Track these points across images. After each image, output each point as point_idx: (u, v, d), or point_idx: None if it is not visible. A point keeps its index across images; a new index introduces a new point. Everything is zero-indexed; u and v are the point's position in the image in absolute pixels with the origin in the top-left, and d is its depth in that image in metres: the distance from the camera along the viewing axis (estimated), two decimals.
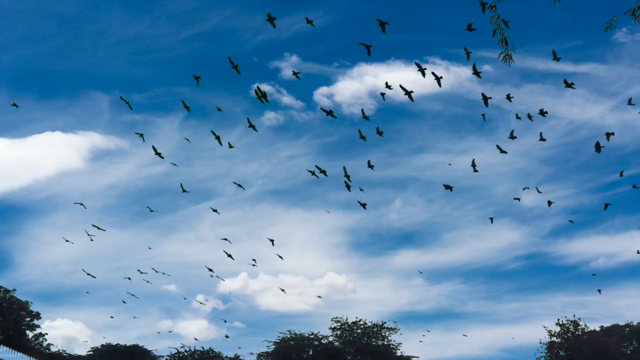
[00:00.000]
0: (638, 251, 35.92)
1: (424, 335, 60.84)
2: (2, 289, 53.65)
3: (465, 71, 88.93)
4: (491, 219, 33.21)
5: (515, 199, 32.64)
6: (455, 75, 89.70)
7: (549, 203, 30.37)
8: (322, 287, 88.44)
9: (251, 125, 26.39)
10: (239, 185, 34.68)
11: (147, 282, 43.45)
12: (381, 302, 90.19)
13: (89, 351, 60.39)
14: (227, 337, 58.22)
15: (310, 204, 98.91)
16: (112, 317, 59.51)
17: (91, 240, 37.09)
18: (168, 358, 62.25)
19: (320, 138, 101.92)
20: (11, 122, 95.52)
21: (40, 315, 55.31)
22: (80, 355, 59.63)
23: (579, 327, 58.11)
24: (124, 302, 47.31)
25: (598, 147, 25.53)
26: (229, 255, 36.62)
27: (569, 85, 23.18)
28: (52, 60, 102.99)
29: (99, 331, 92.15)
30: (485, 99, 24.66)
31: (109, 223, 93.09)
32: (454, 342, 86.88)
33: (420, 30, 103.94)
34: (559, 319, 58.80)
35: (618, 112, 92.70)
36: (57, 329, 65.56)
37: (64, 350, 58.76)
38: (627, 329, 58.90)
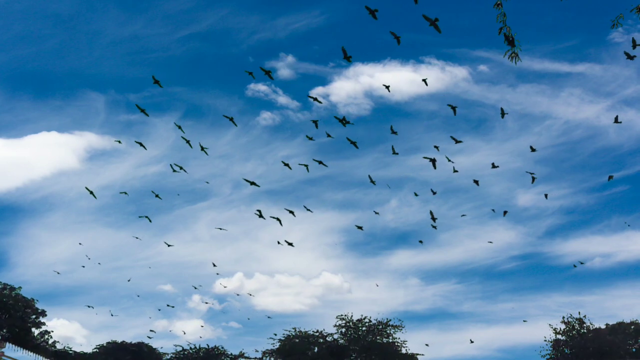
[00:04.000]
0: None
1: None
2: (8, 287, 53.82)
3: (461, 71, 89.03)
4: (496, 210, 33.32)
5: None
6: (451, 75, 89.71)
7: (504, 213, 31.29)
8: (318, 287, 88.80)
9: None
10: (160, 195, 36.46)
11: (138, 296, 45.24)
12: (377, 302, 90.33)
13: (95, 348, 60.59)
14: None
15: (306, 203, 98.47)
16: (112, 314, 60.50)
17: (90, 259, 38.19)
18: (173, 355, 62.40)
19: (315, 138, 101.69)
20: (7, 122, 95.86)
21: (46, 313, 55.52)
22: (85, 353, 59.81)
23: (585, 325, 57.99)
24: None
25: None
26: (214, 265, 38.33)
27: None
28: (48, 60, 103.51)
29: (95, 331, 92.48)
30: (353, 142, 25.43)
31: (105, 223, 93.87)
32: (450, 342, 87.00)
33: (416, 30, 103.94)
34: (564, 317, 58.78)
35: (613, 112, 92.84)
36: (54, 328, 65.60)
37: (70, 348, 59.01)
38: (632, 327, 58.69)
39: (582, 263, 41.97)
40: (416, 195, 32.66)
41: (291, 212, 28.58)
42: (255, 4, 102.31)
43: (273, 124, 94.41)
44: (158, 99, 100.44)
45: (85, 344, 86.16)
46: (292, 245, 31.84)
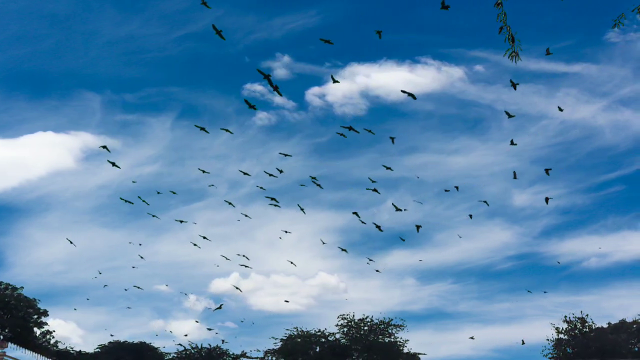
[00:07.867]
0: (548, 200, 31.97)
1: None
2: (10, 287, 53.89)
3: (458, 71, 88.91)
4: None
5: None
6: (447, 75, 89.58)
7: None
8: (314, 287, 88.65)
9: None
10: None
11: (128, 307, 45.76)
12: (373, 302, 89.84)
13: (97, 348, 60.63)
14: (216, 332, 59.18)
15: (302, 203, 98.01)
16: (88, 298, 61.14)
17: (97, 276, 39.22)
18: (175, 355, 62.41)
19: (312, 138, 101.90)
20: (3, 122, 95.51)
21: (48, 313, 55.58)
22: (87, 352, 59.87)
23: (587, 324, 57.90)
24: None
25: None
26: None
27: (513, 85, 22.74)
28: (44, 60, 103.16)
29: (92, 331, 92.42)
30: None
31: (101, 223, 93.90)
32: (447, 342, 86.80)
33: (412, 30, 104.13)
34: (566, 316, 58.72)
35: (610, 112, 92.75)
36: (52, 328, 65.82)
37: (72, 347, 59.09)
38: (634, 326, 58.59)
39: (545, 292, 45.32)
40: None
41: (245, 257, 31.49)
42: (251, 4, 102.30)
43: (269, 124, 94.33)
44: (154, 99, 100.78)
45: (81, 343, 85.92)
46: (240, 291, 33.41)
